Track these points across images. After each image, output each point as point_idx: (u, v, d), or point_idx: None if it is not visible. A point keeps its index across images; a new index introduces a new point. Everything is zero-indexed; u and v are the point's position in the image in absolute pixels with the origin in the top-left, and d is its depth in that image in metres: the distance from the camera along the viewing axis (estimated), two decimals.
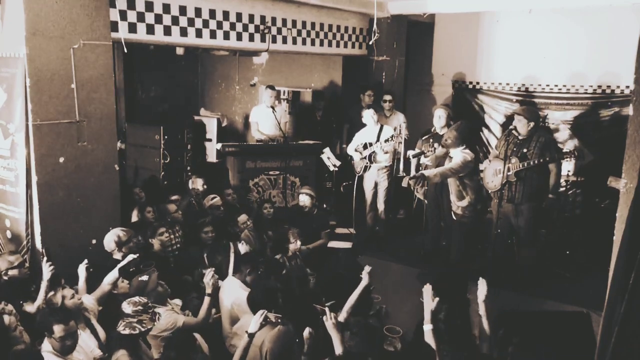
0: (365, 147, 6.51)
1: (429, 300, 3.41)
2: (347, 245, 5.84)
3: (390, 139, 6.36)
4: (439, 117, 6.10)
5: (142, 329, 3.24)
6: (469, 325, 3.73)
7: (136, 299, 3.42)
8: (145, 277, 3.78)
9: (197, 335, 3.65)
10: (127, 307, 3.36)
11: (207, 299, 3.84)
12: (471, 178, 5.69)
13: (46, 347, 3.19)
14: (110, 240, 4.38)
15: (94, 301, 3.80)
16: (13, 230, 4.67)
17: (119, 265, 3.96)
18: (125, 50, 4.78)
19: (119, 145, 5.00)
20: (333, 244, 5.82)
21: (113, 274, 3.93)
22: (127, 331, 3.20)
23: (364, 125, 6.75)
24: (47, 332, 3.16)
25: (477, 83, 7.72)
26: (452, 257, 5.92)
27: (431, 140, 6.02)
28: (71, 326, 3.19)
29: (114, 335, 3.33)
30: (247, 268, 4.25)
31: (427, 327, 3.33)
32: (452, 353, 3.29)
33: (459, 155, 5.50)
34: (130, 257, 4.01)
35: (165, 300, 3.94)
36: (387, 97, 7.12)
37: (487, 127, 7.57)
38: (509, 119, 7.16)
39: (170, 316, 3.71)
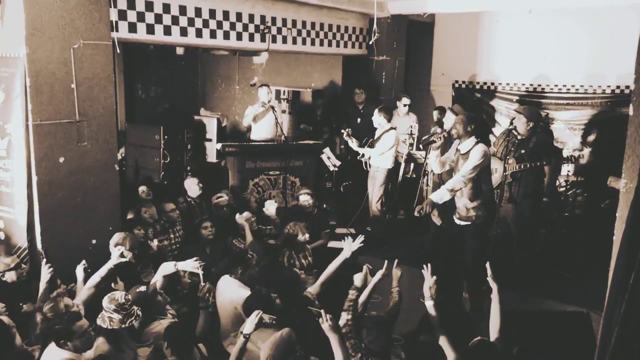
0: (366, 142, 6.54)
1: (427, 277, 3.62)
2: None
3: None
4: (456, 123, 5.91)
5: (110, 326, 3.26)
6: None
7: (116, 295, 3.40)
8: (143, 288, 3.78)
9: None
10: (105, 299, 3.36)
11: (201, 314, 3.83)
12: (487, 170, 5.08)
13: (56, 353, 3.15)
14: (114, 241, 4.37)
15: (81, 305, 3.78)
16: (6, 232, 4.66)
17: (105, 267, 3.93)
18: (119, 51, 4.77)
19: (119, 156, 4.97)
20: (333, 244, 5.81)
21: (97, 276, 3.89)
22: (99, 321, 3.30)
23: (359, 125, 6.75)
24: (65, 337, 3.13)
25: (477, 83, 7.72)
26: (467, 260, 5.27)
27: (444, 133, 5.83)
28: (84, 322, 3.21)
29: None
30: (239, 268, 4.25)
31: (429, 303, 3.50)
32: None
33: (475, 151, 4.87)
34: (117, 260, 3.99)
35: (165, 309, 3.93)
36: (407, 102, 7.14)
37: (487, 127, 7.56)
38: (510, 119, 7.18)
39: None
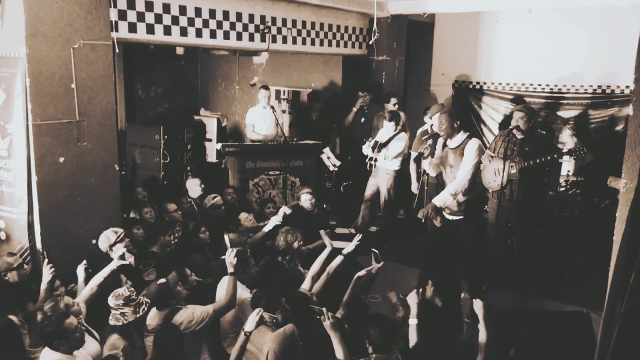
0: (375, 145, 6.51)
1: (413, 296, 3.57)
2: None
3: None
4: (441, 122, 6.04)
5: (125, 321, 3.35)
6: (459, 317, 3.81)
7: (119, 291, 3.46)
8: (163, 280, 3.78)
9: None
10: (111, 299, 3.43)
11: (230, 279, 3.80)
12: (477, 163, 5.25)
13: (49, 354, 3.15)
14: (102, 241, 4.39)
15: (82, 304, 3.79)
16: (7, 231, 4.67)
17: (107, 268, 3.93)
18: (117, 51, 4.77)
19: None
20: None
21: (100, 276, 3.90)
22: (112, 322, 3.38)
23: (362, 125, 6.70)
24: (54, 336, 3.12)
25: (477, 83, 7.72)
26: (465, 257, 5.56)
27: (429, 141, 5.96)
28: (73, 320, 3.21)
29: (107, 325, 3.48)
30: (239, 267, 4.25)
31: (413, 322, 3.48)
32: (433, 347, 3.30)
33: (470, 148, 4.93)
34: (119, 262, 3.98)
35: (183, 299, 3.94)
36: (394, 101, 7.12)
37: (487, 127, 7.56)
38: (509, 119, 7.17)
39: (201, 309, 3.73)
